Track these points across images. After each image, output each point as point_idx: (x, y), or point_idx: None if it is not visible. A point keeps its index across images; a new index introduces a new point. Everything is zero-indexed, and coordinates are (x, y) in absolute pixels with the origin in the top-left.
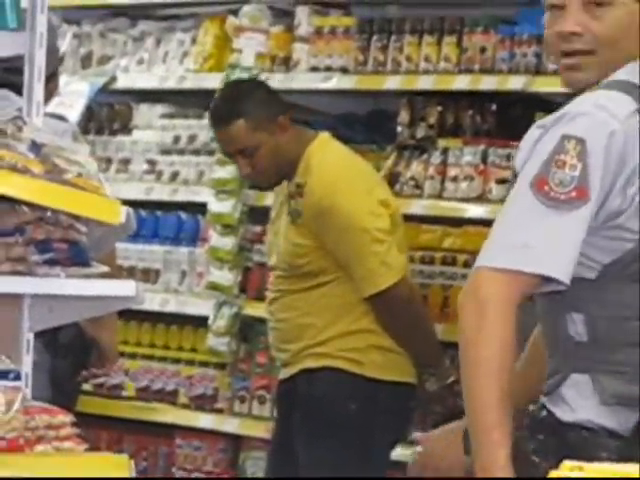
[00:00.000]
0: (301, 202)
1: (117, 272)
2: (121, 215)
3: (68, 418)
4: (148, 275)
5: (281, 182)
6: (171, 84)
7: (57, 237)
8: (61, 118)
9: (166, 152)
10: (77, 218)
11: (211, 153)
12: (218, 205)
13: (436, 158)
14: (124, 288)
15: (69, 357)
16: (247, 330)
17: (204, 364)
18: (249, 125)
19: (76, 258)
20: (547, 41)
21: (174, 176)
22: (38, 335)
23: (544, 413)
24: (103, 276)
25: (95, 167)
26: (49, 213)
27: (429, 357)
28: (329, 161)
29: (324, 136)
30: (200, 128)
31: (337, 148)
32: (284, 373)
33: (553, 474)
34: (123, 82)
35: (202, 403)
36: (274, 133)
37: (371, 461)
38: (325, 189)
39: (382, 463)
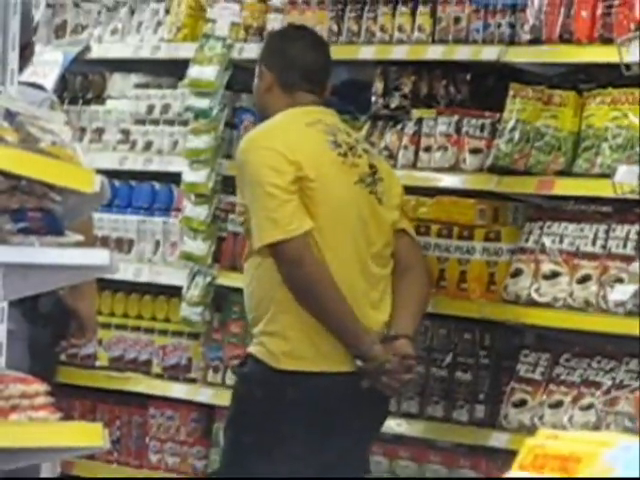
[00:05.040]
0: None
1: (93, 242)
2: (95, 184)
3: (43, 387)
4: (122, 245)
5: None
6: (145, 54)
7: (31, 206)
8: (40, 87)
9: (140, 122)
10: (51, 187)
11: (185, 123)
12: (192, 175)
13: (410, 128)
14: (98, 257)
15: (48, 326)
16: (220, 300)
17: (177, 334)
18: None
19: (50, 227)
20: None
21: (148, 146)
22: (16, 304)
23: None
24: (77, 245)
25: (70, 135)
26: (23, 182)
27: (344, 336)
28: (264, 123)
29: (298, 109)
30: (174, 98)
31: (289, 115)
32: None
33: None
34: (97, 52)
35: (175, 373)
36: (260, 77)
37: (273, 453)
38: (244, 144)
39: (290, 457)
